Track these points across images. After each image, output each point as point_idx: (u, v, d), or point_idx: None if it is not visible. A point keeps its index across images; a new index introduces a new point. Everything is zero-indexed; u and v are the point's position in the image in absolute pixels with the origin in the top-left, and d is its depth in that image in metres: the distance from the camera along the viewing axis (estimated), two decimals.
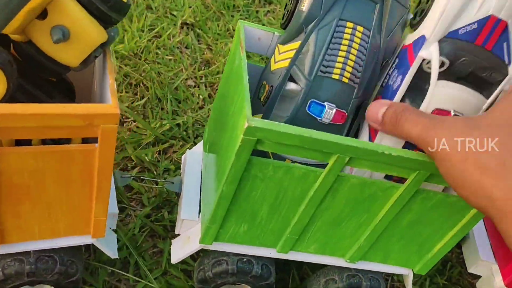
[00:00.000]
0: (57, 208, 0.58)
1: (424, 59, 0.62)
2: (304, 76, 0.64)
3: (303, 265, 0.91)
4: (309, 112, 0.65)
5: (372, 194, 0.64)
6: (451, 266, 1.02)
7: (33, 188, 0.54)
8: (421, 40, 0.62)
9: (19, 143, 0.52)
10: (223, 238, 0.69)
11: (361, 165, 0.59)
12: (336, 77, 0.64)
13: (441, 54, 0.61)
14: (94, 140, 0.53)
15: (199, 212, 0.75)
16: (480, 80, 0.62)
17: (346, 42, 0.63)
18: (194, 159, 0.84)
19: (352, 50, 0.64)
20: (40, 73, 0.55)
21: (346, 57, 0.64)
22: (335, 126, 0.66)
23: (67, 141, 0.55)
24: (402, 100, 0.65)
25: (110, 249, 0.69)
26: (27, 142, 0.53)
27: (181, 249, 0.74)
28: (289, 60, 0.66)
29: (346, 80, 0.64)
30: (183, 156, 0.93)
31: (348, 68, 0.64)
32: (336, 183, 0.62)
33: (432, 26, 0.61)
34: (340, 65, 0.64)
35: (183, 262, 0.84)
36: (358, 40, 0.64)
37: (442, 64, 0.61)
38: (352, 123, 0.71)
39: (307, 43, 0.64)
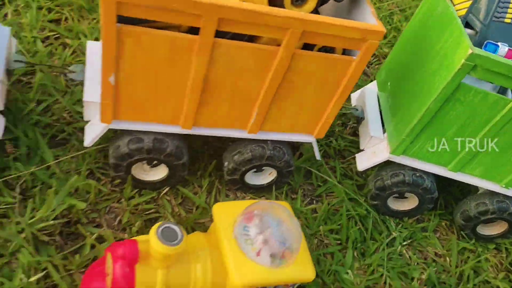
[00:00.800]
0: (307, 107, 0.77)
1: None
2: (480, 22, 0.80)
3: (447, 197, 1.06)
4: None
5: None
6: None
7: (300, 87, 0.73)
8: None
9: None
10: (409, 152, 0.86)
11: None
12: (508, 21, 0.80)
13: None
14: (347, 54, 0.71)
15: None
16: None
17: None
18: (370, 94, 1.01)
19: None
20: None
21: None
22: None
23: (331, 51, 0.73)
24: None
25: (317, 151, 0.88)
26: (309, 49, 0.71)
27: (367, 160, 0.91)
28: (465, 9, 0.82)
29: None
30: (353, 94, 1.10)
31: None
32: None
33: None
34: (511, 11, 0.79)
35: (351, 178, 1.02)
36: None
37: None
38: None
39: None
